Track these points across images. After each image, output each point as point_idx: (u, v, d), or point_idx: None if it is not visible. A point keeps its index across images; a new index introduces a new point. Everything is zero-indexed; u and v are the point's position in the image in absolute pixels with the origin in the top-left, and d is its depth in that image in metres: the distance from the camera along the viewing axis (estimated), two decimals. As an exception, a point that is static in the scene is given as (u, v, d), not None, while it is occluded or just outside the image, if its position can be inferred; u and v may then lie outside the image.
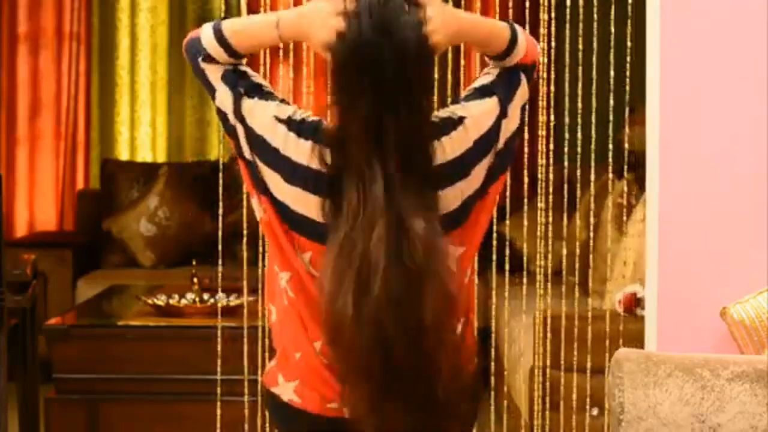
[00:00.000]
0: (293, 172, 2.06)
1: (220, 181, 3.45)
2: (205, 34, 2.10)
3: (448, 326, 2.01)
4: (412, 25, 1.99)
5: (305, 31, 2.06)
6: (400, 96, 1.98)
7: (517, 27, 2.15)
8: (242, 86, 2.10)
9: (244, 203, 3.37)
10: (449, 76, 3.45)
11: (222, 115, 2.12)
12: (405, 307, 1.95)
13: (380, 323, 1.95)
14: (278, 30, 2.07)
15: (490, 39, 2.12)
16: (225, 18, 2.17)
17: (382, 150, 1.98)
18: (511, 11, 3.59)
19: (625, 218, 3.82)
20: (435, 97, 2.09)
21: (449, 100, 3.37)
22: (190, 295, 4.55)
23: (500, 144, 2.13)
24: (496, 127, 2.12)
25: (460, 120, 2.09)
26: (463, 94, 2.18)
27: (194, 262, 4.80)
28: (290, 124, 2.07)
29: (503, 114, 2.13)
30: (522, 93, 2.15)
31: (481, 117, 2.11)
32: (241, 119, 2.09)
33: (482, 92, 2.14)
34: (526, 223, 3.60)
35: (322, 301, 1.99)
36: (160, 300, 4.50)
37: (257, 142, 2.08)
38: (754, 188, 3.02)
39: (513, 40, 2.12)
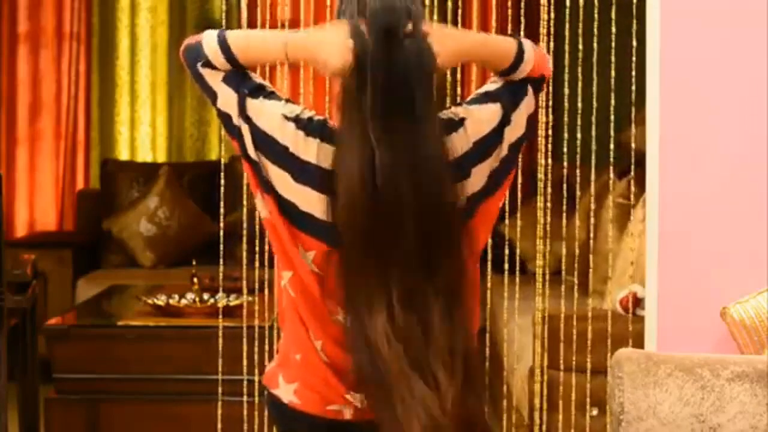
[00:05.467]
0: (301, 171, 2.06)
1: (222, 181, 3.46)
2: (208, 41, 2.09)
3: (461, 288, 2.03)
4: (419, 49, 2.00)
5: (314, 55, 2.06)
6: (406, 113, 1.99)
7: (526, 42, 2.15)
8: (245, 87, 2.09)
9: (244, 203, 3.37)
10: (448, 76, 3.45)
11: (225, 117, 2.11)
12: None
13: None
14: (286, 51, 2.07)
15: (494, 59, 2.13)
16: (225, 18, 2.17)
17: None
18: (510, 11, 3.59)
19: (632, 217, 3.82)
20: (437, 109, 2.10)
21: (448, 101, 3.37)
22: (189, 295, 4.55)
23: (504, 151, 2.13)
24: (497, 133, 2.12)
25: (461, 121, 2.10)
26: (468, 98, 2.19)
27: (194, 262, 4.79)
28: (298, 122, 2.07)
29: (506, 121, 2.13)
30: (528, 103, 2.16)
31: (482, 120, 2.11)
32: (247, 119, 2.08)
33: (486, 97, 2.15)
34: (520, 222, 3.59)
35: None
36: (160, 300, 4.50)
37: (264, 141, 2.07)
38: (755, 188, 3.02)
39: (519, 57, 2.12)
